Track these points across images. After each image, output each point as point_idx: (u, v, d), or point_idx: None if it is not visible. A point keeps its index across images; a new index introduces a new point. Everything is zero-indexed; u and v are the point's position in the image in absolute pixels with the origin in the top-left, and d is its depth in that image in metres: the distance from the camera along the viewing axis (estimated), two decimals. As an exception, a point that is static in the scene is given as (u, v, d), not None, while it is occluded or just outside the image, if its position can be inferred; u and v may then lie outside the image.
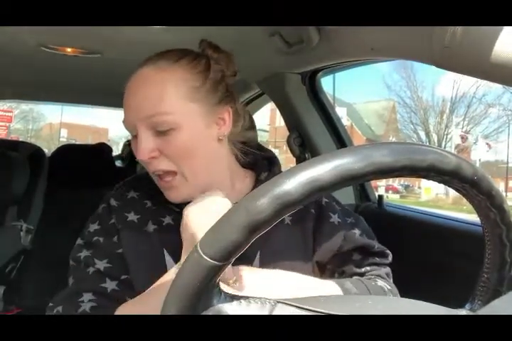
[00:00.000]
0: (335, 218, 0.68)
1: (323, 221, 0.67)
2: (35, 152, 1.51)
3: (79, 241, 0.63)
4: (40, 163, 1.50)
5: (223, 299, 0.33)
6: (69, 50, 1.15)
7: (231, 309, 0.33)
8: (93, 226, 0.63)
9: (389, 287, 0.65)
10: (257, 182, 0.67)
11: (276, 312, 0.32)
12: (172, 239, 0.60)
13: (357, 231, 0.68)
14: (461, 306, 0.40)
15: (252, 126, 0.71)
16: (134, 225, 0.62)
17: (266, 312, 0.32)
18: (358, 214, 0.75)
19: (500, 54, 0.53)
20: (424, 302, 0.37)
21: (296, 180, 0.28)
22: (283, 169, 0.68)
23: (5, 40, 1.06)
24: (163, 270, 0.58)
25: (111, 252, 0.60)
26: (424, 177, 0.34)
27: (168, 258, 0.60)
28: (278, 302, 0.33)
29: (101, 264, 0.59)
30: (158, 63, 0.60)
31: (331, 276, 0.68)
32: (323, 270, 0.68)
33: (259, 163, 0.70)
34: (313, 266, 0.66)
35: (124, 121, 0.61)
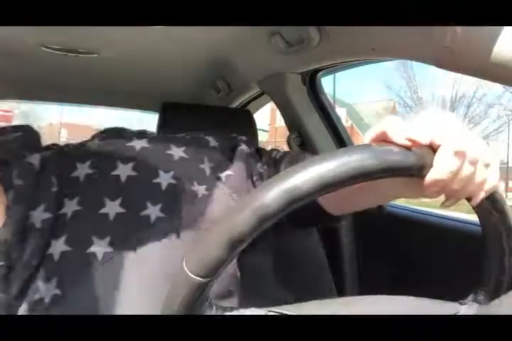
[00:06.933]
0: None
1: None
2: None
3: None
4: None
5: (215, 312, 0.33)
6: (69, 50, 1.15)
7: None
8: None
9: None
10: None
11: None
12: None
13: None
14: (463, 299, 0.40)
15: None
16: None
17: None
18: (359, 215, 0.75)
19: (500, 54, 0.53)
20: (424, 298, 0.37)
21: (274, 192, 0.28)
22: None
23: (5, 40, 1.06)
24: None
25: None
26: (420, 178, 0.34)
27: None
28: (269, 310, 0.33)
29: None
30: None
31: None
32: None
33: None
34: None
35: None
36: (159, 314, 0.32)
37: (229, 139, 0.65)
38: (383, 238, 1.12)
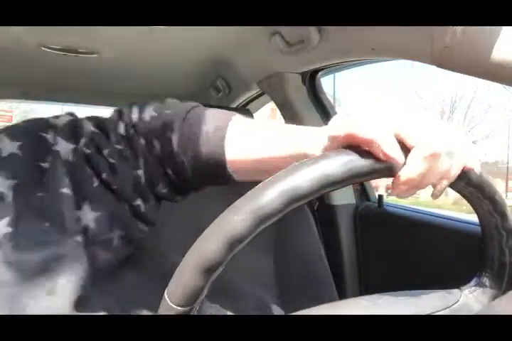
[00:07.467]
0: None
1: None
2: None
3: None
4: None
5: None
6: (69, 50, 1.15)
7: None
8: None
9: None
10: None
11: None
12: None
13: None
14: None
15: None
16: None
17: None
18: (359, 214, 0.75)
19: (500, 54, 0.53)
20: (424, 291, 0.37)
21: (242, 215, 0.28)
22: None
23: (5, 40, 1.06)
24: None
25: None
26: None
27: None
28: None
29: None
30: None
31: None
32: None
33: None
34: None
35: None
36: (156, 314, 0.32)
37: (36, 139, 0.45)
38: (383, 237, 1.12)
